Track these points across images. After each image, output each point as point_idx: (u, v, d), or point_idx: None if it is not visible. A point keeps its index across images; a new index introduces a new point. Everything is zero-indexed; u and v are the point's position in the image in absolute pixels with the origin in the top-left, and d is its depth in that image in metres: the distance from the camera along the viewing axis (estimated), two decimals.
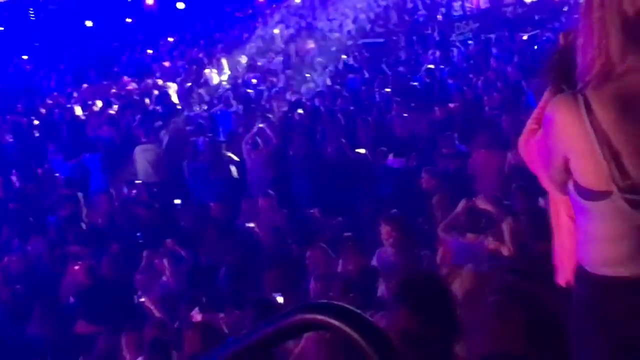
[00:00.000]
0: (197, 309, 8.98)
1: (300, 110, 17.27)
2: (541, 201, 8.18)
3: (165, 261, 10.83)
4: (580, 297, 2.54)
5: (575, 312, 2.55)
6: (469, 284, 5.98)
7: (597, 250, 2.47)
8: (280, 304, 7.81)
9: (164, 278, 10.79)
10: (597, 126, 2.41)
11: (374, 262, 9.32)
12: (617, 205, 2.38)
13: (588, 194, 2.45)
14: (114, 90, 22.76)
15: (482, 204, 9.13)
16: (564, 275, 2.94)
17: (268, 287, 9.14)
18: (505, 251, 7.71)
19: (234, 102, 19.11)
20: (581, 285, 2.54)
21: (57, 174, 16.23)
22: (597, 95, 2.44)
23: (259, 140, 14.73)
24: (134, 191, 14.86)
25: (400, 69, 20.96)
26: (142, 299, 9.99)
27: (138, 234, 13.06)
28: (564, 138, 2.48)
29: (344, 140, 14.43)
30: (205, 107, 19.96)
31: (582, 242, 2.54)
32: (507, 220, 8.27)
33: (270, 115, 16.93)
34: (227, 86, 21.70)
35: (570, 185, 2.53)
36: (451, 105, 15.99)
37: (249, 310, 7.69)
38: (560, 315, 3.43)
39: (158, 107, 19.79)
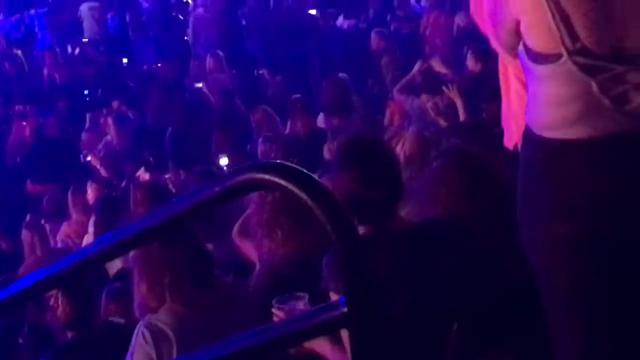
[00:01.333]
0: (142, 168, 8.97)
1: None
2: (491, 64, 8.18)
3: (109, 120, 10.74)
4: (528, 159, 2.58)
5: (522, 175, 2.59)
6: (412, 146, 6.04)
7: (546, 113, 2.49)
8: (226, 165, 7.82)
9: (109, 137, 10.72)
10: None
11: (320, 123, 9.35)
12: (566, 69, 2.39)
13: (538, 57, 2.45)
14: None
15: (437, 66, 9.14)
16: (511, 139, 2.97)
17: (215, 148, 9.13)
18: (460, 111, 7.74)
19: None
20: (529, 147, 2.57)
21: None
22: None
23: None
24: (78, 49, 14.63)
25: None
26: (88, 158, 9.94)
27: (85, 92, 12.91)
28: None
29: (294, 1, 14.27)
30: None
31: (530, 105, 2.56)
32: (458, 82, 8.29)
33: None
34: None
35: (521, 48, 2.53)
36: None
37: (196, 170, 7.69)
38: (505, 178, 3.48)
39: None
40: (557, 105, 2.45)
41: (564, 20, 2.37)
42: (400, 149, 5.98)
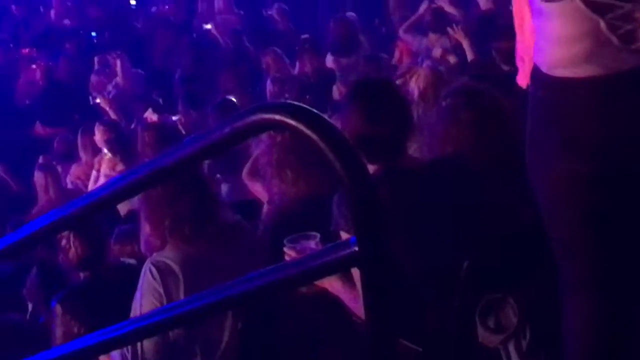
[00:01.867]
0: (150, 109, 8.96)
1: None
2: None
3: (118, 62, 10.71)
4: (536, 98, 2.59)
5: (531, 113, 2.61)
6: (425, 82, 6.02)
7: (554, 51, 2.50)
8: (236, 103, 7.82)
9: (117, 79, 10.69)
10: None
11: (329, 63, 9.32)
12: (575, 6, 2.40)
13: None
14: None
15: (447, 6, 9.09)
16: (525, 76, 2.97)
17: (224, 89, 9.11)
18: (467, 52, 7.70)
19: None
20: (537, 86, 2.58)
21: None
22: None
23: None
24: None
25: None
26: (97, 100, 9.92)
27: (93, 34, 12.86)
28: None
29: None
30: None
31: (539, 44, 2.57)
32: (465, 22, 8.25)
33: None
34: None
35: None
36: None
37: (207, 110, 7.68)
38: (514, 117, 3.48)
39: None
40: (565, 44, 2.46)
41: None
42: (415, 84, 5.97)
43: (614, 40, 2.39)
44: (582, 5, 2.38)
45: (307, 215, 3.82)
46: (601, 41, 2.40)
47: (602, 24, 2.39)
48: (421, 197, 3.32)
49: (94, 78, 10.98)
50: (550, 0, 2.45)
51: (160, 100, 9.58)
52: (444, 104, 3.75)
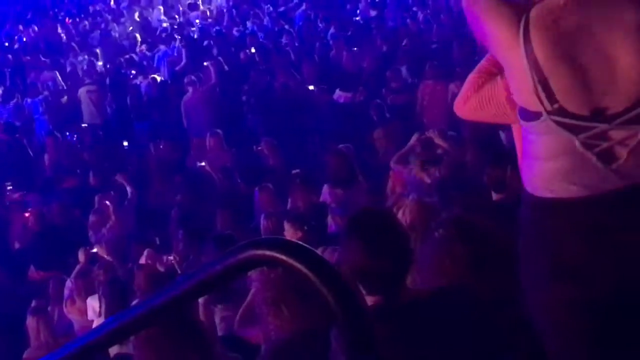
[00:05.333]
0: (146, 250, 8.95)
1: (252, 50, 17.06)
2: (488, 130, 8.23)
3: (108, 203, 10.76)
4: (524, 220, 2.63)
5: (521, 236, 2.63)
6: (412, 214, 6.04)
7: (535, 167, 2.58)
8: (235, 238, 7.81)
9: (110, 222, 10.71)
10: (530, 51, 2.50)
11: (323, 197, 9.36)
12: (547, 126, 2.49)
13: (524, 114, 2.59)
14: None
15: (437, 138, 9.21)
16: None
17: (220, 226, 9.13)
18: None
19: (176, 42, 18.80)
20: (525, 208, 2.63)
21: None
22: (537, 19, 2.51)
23: (199, 79, 14.57)
24: (75, 135, 14.71)
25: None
26: (95, 250, 9.92)
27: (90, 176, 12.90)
28: (502, 48, 2.61)
29: (294, 76, 14.39)
30: (145, 48, 19.60)
31: (525, 163, 2.64)
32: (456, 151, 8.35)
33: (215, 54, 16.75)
34: (168, 26, 21.34)
35: (517, 109, 2.64)
36: (403, 39, 15.83)
37: (204, 249, 7.67)
38: (509, 246, 3.47)
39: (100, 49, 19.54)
40: (544, 160, 2.52)
41: (543, 83, 2.48)
42: (402, 217, 5.98)
43: (592, 158, 2.44)
44: (554, 125, 2.46)
45: (306, 350, 3.76)
46: (578, 159, 2.45)
47: (577, 143, 2.46)
48: (422, 329, 3.28)
49: (92, 218, 10.96)
50: (527, 120, 2.54)
51: (157, 240, 9.58)
52: (436, 234, 3.75)
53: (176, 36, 19.26)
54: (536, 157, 2.56)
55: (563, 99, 2.46)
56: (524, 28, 2.51)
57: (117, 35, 21.09)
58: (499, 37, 2.58)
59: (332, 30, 17.63)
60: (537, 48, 2.48)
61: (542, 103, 2.48)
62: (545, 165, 2.52)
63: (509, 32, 2.53)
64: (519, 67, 2.52)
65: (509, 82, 2.65)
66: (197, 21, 21.52)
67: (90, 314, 7.97)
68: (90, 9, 24.76)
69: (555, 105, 2.47)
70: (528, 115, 2.55)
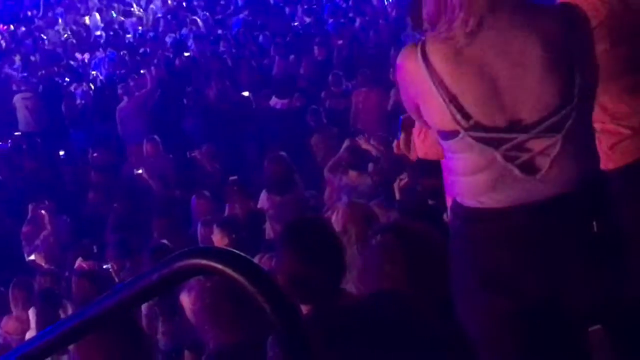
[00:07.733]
0: (80, 258, 8.89)
1: (186, 54, 16.99)
2: None
3: (44, 213, 10.64)
4: (454, 228, 2.64)
5: (451, 244, 2.65)
6: (344, 217, 6.09)
7: (462, 185, 2.58)
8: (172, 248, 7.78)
9: (46, 232, 10.60)
10: (433, 72, 2.51)
11: (260, 204, 9.35)
12: (467, 141, 2.49)
13: (442, 134, 2.57)
14: None
15: (363, 143, 9.26)
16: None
17: (157, 234, 9.07)
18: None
19: (111, 49, 18.66)
20: (453, 216, 2.64)
21: None
22: (432, 44, 2.54)
23: (135, 85, 14.48)
24: (9, 142, 14.53)
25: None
26: (32, 257, 9.81)
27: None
28: (411, 85, 2.61)
29: (227, 83, 14.34)
30: (81, 55, 19.41)
31: (449, 179, 2.66)
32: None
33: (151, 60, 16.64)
34: (103, 33, 21.14)
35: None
36: (339, 42, 15.84)
37: (141, 257, 7.63)
38: (443, 250, 3.51)
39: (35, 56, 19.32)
40: (469, 175, 2.54)
41: (453, 101, 2.48)
42: (335, 221, 6.03)
43: (515, 170, 2.46)
44: (473, 141, 2.47)
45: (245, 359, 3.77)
46: (502, 172, 2.48)
47: (498, 156, 2.47)
48: (357, 336, 3.30)
49: (25, 228, 10.83)
50: (446, 139, 2.55)
51: (94, 248, 9.51)
52: (374, 240, 3.78)
53: (110, 43, 19.11)
54: (460, 173, 2.56)
55: (476, 112, 2.47)
56: (421, 50, 2.53)
57: (50, 41, 20.83)
58: (407, 69, 2.60)
59: (261, 38, 17.63)
60: (438, 66, 2.50)
61: (457, 122, 2.49)
62: (471, 179, 2.53)
63: (411, 62, 2.55)
64: (428, 92, 2.52)
65: (424, 116, 2.64)
66: (140, 27, 21.33)
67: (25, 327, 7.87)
68: (21, 15, 24.41)
69: (471, 122, 2.47)
70: (447, 135, 2.56)
